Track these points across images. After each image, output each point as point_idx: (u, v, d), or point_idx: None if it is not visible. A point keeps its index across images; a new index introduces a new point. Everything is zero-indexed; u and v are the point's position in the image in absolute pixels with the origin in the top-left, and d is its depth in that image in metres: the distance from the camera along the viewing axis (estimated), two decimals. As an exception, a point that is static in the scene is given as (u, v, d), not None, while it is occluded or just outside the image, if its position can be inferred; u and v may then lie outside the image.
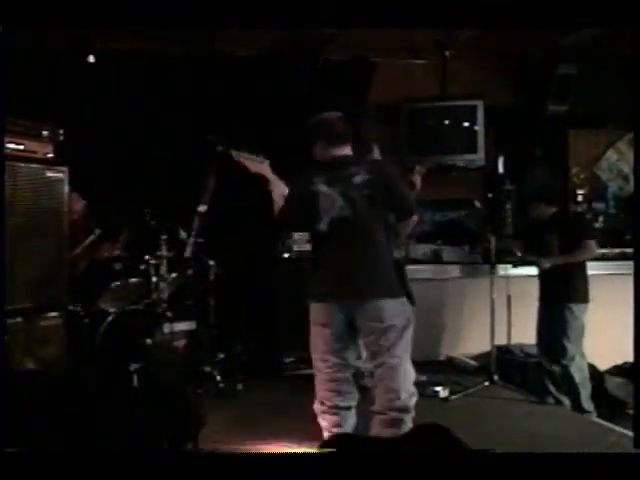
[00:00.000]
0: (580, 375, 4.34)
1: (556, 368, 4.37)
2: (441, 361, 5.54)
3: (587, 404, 4.36)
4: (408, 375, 3.15)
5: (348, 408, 3.23)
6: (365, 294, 3.08)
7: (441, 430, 2.19)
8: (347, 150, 3.26)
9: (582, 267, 4.38)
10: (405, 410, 3.08)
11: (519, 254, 4.84)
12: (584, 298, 4.34)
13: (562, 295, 4.33)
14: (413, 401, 3.11)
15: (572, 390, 4.36)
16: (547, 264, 4.33)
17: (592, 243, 4.37)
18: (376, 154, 4.69)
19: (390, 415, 3.09)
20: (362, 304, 3.09)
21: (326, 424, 3.20)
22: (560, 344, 4.31)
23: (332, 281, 3.11)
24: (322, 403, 3.21)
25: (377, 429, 3.11)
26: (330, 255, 3.15)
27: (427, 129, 5.88)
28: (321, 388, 3.22)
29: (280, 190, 3.25)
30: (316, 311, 3.18)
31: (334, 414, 3.19)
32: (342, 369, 3.25)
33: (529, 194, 4.77)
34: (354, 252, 3.10)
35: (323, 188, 3.13)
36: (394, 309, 3.09)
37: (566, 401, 4.39)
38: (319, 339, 3.19)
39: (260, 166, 3.31)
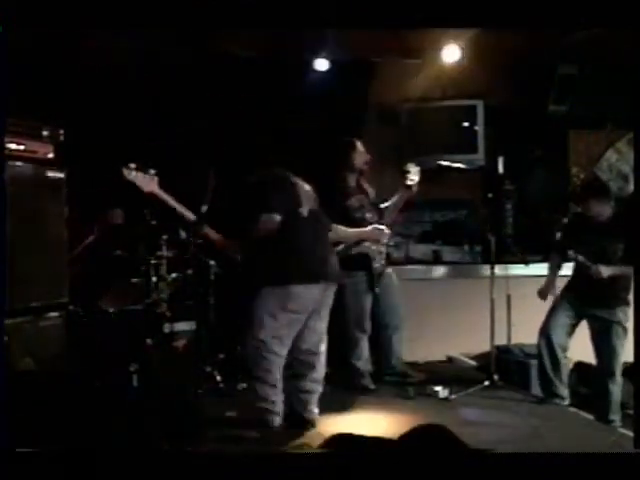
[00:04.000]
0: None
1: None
2: (441, 361, 5.54)
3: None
4: None
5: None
6: (337, 275, 3.74)
7: (441, 430, 2.19)
8: None
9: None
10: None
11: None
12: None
13: (619, 300, 4.24)
14: None
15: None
16: (606, 273, 4.15)
17: None
18: (360, 149, 4.69)
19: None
20: (332, 285, 3.70)
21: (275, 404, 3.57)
22: (615, 354, 4.27)
23: (315, 263, 3.59)
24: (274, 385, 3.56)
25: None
26: (305, 241, 3.59)
27: (427, 129, 5.88)
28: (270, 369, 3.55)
29: (174, 205, 3.59)
30: (289, 297, 3.51)
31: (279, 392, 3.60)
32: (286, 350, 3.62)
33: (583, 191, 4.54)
34: (324, 239, 3.74)
35: (299, 181, 3.70)
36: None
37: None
38: (284, 323, 3.53)
39: (151, 184, 3.53)
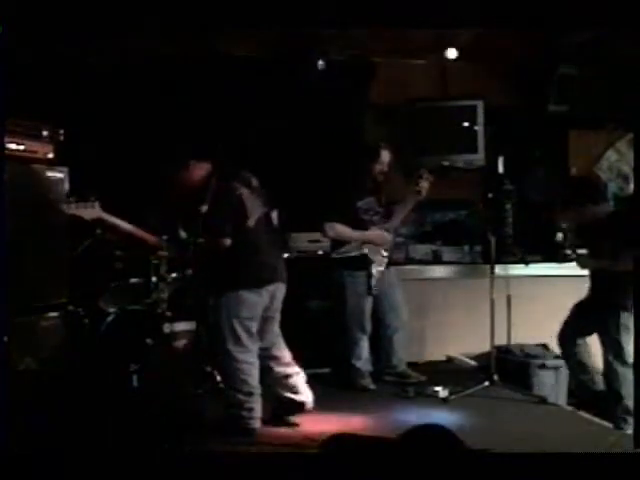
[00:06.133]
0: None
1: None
2: (441, 361, 5.54)
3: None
4: None
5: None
6: (284, 275, 3.80)
7: (441, 430, 2.19)
8: None
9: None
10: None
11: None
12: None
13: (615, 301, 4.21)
14: None
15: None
16: (590, 265, 4.19)
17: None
18: (385, 157, 4.70)
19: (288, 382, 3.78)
20: (281, 287, 3.77)
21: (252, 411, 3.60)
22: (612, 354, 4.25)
23: (263, 268, 3.68)
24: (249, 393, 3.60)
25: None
26: (256, 247, 3.67)
27: (427, 129, 5.88)
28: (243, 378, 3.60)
29: (126, 226, 3.67)
30: (240, 305, 3.60)
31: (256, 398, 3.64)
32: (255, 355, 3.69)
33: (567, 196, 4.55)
34: (273, 244, 3.79)
35: (245, 191, 3.68)
36: None
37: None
38: (241, 331, 3.60)
39: (93, 211, 3.56)
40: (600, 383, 4.40)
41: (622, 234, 4.08)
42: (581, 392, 4.48)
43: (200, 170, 3.73)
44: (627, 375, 4.21)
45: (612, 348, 4.24)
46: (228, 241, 3.57)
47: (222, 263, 3.62)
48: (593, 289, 4.38)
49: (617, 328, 4.21)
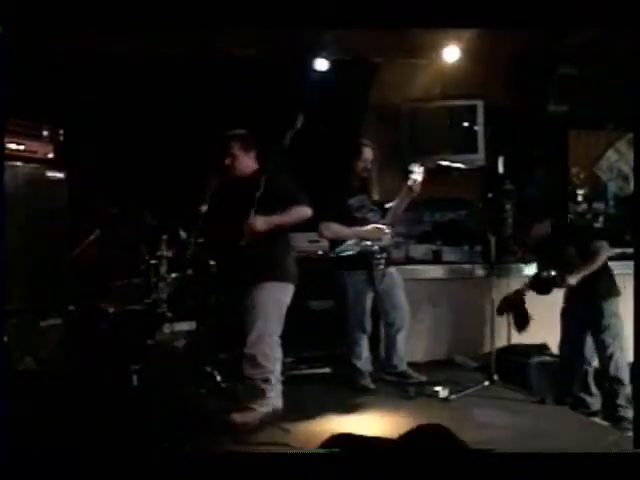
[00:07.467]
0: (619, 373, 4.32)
1: (589, 368, 4.45)
2: (441, 361, 5.54)
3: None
4: None
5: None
6: None
7: (441, 430, 2.19)
8: None
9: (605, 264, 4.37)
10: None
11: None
12: (613, 293, 4.35)
13: (591, 295, 4.32)
14: None
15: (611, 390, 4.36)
16: (573, 280, 4.24)
17: (604, 243, 4.35)
18: (367, 154, 4.71)
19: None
20: None
21: (270, 391, 3.79)
22: (600, 342, 4.34)
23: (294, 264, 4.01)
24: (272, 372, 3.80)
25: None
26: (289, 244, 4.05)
27: (427, 129, 5.88)
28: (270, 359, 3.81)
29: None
30: (283, 291, 3.87)
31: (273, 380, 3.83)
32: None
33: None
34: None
35: None
36: None
37: (595, 403, 4.44)
38: (279, 317, 3.85)
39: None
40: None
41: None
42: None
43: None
44: (625, 361, 4.26)
45: (607, 334, 4.28)
46: (310, 211, 3.87)
47: (277, 249, 3.87)
48: (569, 290, 4.44)
49: (602, 315, 4.29)
